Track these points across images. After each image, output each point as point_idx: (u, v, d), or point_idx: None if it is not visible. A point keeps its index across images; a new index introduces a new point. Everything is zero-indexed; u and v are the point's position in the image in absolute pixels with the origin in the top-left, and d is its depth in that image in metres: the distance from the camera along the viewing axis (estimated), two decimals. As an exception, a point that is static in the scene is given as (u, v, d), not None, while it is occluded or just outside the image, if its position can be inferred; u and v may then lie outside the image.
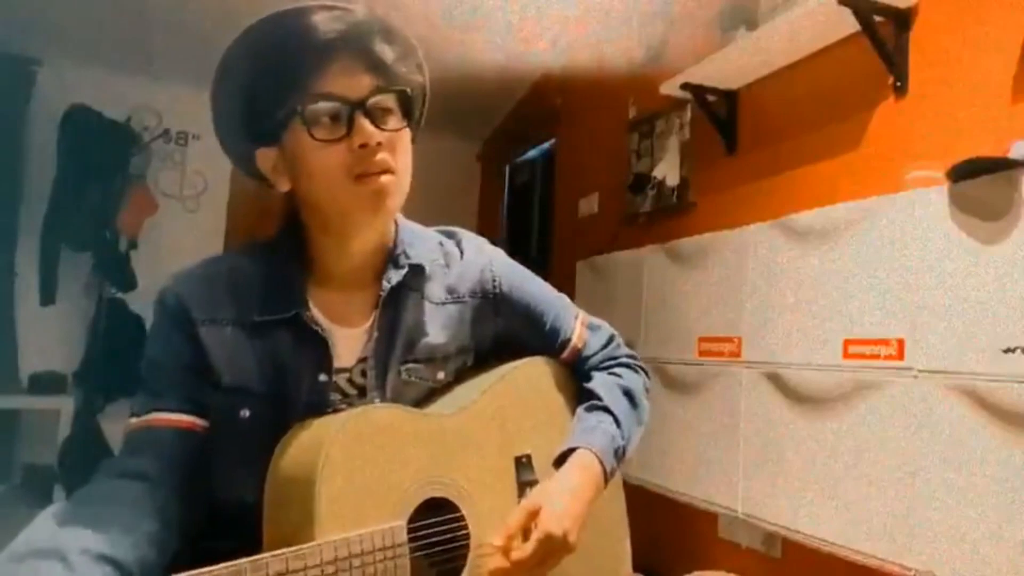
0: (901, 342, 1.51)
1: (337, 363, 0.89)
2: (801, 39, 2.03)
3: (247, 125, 0.88)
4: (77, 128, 3.58)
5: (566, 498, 0.89)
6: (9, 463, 3.53)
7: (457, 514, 0.87)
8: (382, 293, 0.92)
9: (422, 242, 0.98)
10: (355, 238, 0.90)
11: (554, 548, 0.86)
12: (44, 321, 3.54)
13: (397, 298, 0.93)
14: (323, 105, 0.82)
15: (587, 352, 1.09)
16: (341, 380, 0.90)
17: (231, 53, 0.87)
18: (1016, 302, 1.30)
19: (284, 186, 0.88)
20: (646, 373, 1.13)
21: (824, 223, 1.74)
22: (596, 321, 1.13)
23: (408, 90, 0.88)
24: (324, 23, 0.82)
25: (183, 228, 3.87)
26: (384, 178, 0.84)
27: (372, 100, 0.83)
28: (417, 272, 0.95)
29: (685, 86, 2.40)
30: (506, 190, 4.42)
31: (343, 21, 0.83)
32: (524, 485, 0.95)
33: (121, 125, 3.72)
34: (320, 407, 0.87)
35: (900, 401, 1.49)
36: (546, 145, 3.89)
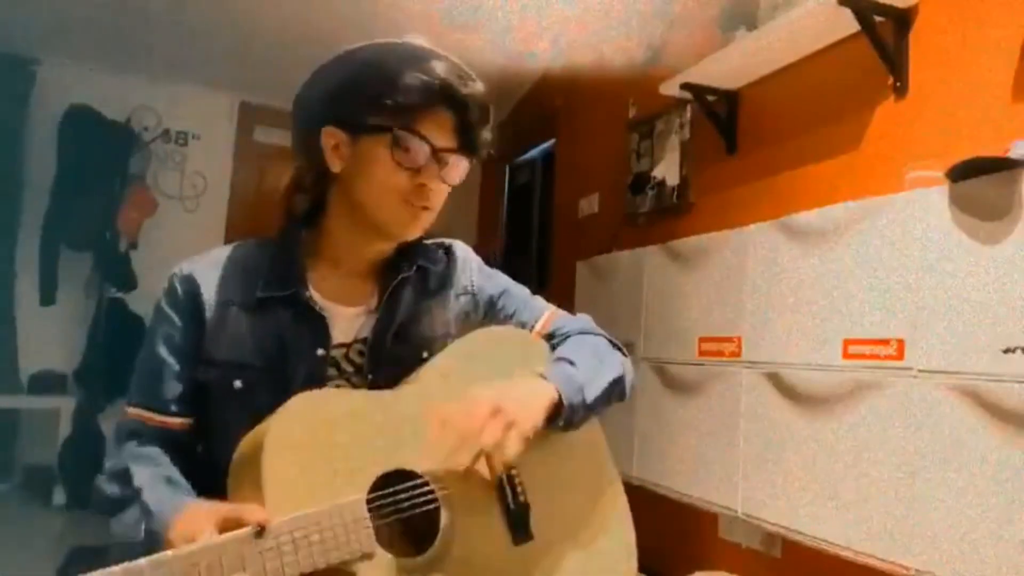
0: (901, 342, 1.51)
1: (335, 339, 0.98)
2: (801, 39, 2.03)
3: (332, 102, 0.97)
4: (77, 128, 3.59)
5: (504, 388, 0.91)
6: (9, 463, 3.53)
7: (420, 479, 0.89)
8: (389, 284, 1.02)
9: (423, 246, 1.10)
10: (378, 239, 1.01)
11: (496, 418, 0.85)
12: (44, 321, 3.54)
13: (399, 290, 1.04)
14: (414, 140, 0.93)
15: (555, 333, 1.12)
16: (338, 355, 0.99)
17: (365, 48, 0.97)
18: (1016, 302, 1.30)
19: (335, 167, 0.97)
20: (621, 350, 1.14)
21: (824, 223, 1.74)
22: (567, 314, 1.18)
23: (474, 159, 1.01)
24: (454, 79, 0.95)
25: (183, 228, 3.87)
26: (424, 212, 0.98)
27: (449, 156, 0.97)
28: (419, 270, 1.07)
29: (685, 86, 2.40)
30: (506, 190, 4.42)
31: (465, 87, 0.96)
32: None
33: (121, 125, 3.72)
34: (317, 381, 0.95)
35: (900, 401, 1.49)
36: (546, 145, 3.89)
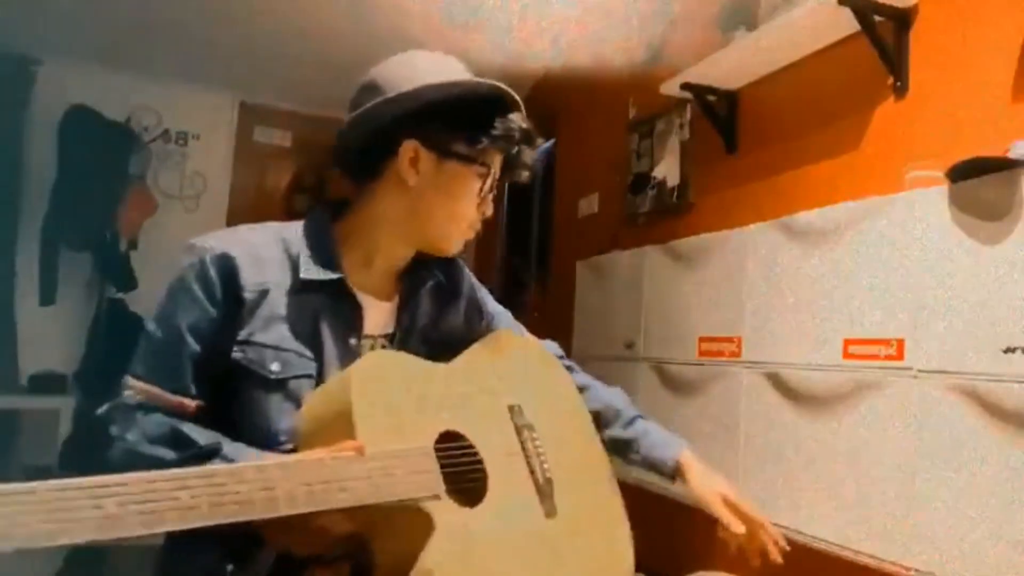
0: (901, 342, 1.51)
1: (366, 330, 1.02)
2: (801, 39, 2.03)
3: (420, 121, 1.00)
4: (77, 128, 3.58)
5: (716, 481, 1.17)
6: (9, 463, 3.53)
7: (468, 444, 0.96)
8: (415, 283, 1.09)
9: (436, 257, 1.15)
10: (419, 248, 1.07)
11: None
12: (44, 321, 3.54)
13: (425, 289, 1.11)
14: (488, 171, 1.04)
15: None
16: (365, 346, 1.02)
17: (459, 83, 1.02)
18: (1016, 302, 1.30)
19: (411, 180, 1.01)
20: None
21: (824, 223, 1.74)
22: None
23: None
24: (527, 129, 1.07)
25: (183, 228, 3.86)
26: (471, 234, 1.08)
27: (496, 188, 1.08)
28: (440, 274, 1.13)
29: (685, 86, 2.40)
30: (506, 190, 4.42)
31: (520, 126, 1.05)
32: (521, 428, 1.05)
33: (121, 125, 3.72)
34: (343, 368, 0.96)
35: (900, 401, 1.49)
36: (546, 145, 3.89)
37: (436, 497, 0.86)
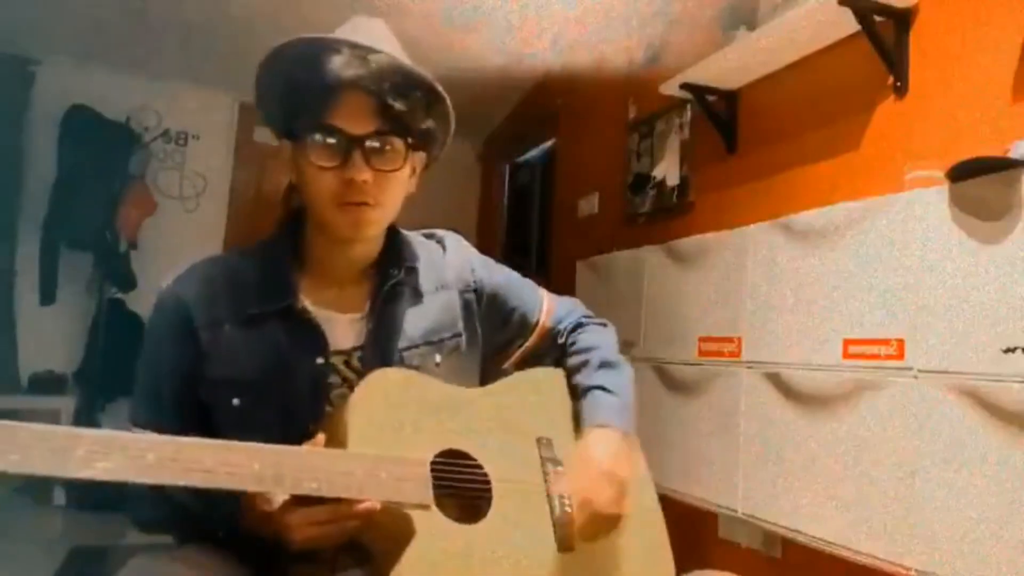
0: (901, 342, 1.51)
1: (333, 346, 0.96)
2: (801, 39, 2.03)
3: (273, 118, 1.00)
4: (77, 128, 3.58)
5: (606, 465, 0.98)
6: (9, 463, 3.52)
7: (475, 464, 0.95)
8: (380, 289, 1.00)
9: (412, 245, 1.08)
10: (340, 245, 0.98)
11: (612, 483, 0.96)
12: (44, 321, 3.54)
13: (392, 293, 1.01)
14: (326, 135, 0.90)
15: (556, 324, 1.17)
16: (338, 362, 0.97)
17: (264, 62, 0.95)
18: (1016, 302, 1.30)
19: (293, 178, 0.98)
20: (605, 326, 1.21)
21: (824, 223, 1.74)
22: (558, 297, 1.22)
23: (408, 139, 0.94)
24: (344, 63, 0.90)
25: (183, 228, 3.87)
26: (365, 210, 0.93)
27: (371, 140, 0.91)
28: (410, 272, 1.04)
29: (685, 86, 2.40)
30: (506, 190, 4.42)
31: (363, 65, 0.90)
32: (545, 460, 1.02)
33: (121, 125, 3.72)
34: (320, 389, 0.95)
35: (900, 401, 1.49)
36: (546, 145, 3.89)
37: (424, 507, 0.85)
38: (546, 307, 1.17)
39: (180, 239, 3.80)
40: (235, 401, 0.92)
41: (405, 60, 0.94)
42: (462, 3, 3.04)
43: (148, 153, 3.82)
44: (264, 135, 4.12)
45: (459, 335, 1.07)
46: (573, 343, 1.16)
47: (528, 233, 4.12)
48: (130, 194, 3.67)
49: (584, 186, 3.38)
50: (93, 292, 3.62)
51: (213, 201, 4.02)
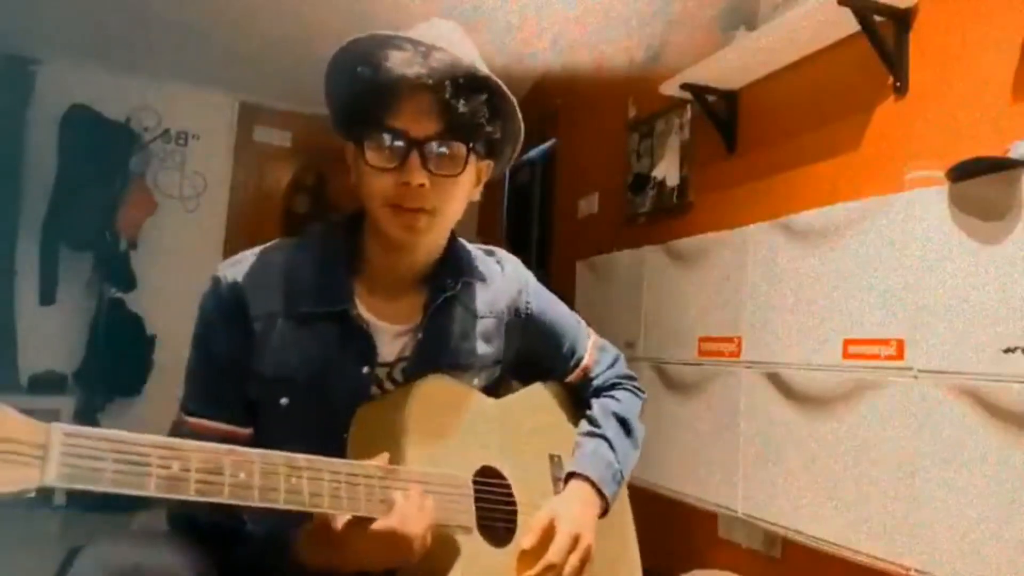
0: (901, 342, 1.51)
1: (379, 358, 0.95)
2: (801, 39, 2.03)
3: (336, 118, 0.97)
4: (77, 128, 3.58)
5: (575, 511, 0.98)
6: (9, 463, 3.52)
7: (505, 483, 0.96)
8: (433, 302, 0.98)
9: (470, 259, 1.05)
10: (395, 252, 0.96)
11: (577, 549, 0.95)
12: (44, 321, 3.54)
13: (444, 307, 0.99)
14: (383, 136, 0.87)
15: (595, 372, 1.17)
16: (382, 374, 0.96)
17: (331, 60, 0.92)
18: (1016, 302, 1.30)
19: (353, 180, 0.95)
20: (642, 393, 1.21)
21: (824, 223, 1.74)
22: (604, 342, 1.22)
23: (470, 144, 0.90)
24: (405, 60, 0.85)
25: (183, 228, 3.87)
26: (420, 215, 0.89)
27: (430, 143, 0.87)
28: (466, 287, 1.02)
29: (685, 86, 2.40)
30: (506, 190, 4.42)
31: (424, 64, 0.85)
32: (557, 480, 1.04)
33: (121, 125, 3.72)
34: (359, 398, 0.93)
35: (900, 401, 1.49)
36: (546, 145, 3.89)
37: (467, 530, 0.86)
38: (591, 346, 1.17)
39: (180, 239, 3.80)
40: (283, 400, 0.91)
41: (479, 64, 0.91)
42: (462, 3, 3.03)
43: (148, 153, 3.82)
44: (264, 135, 4.13)
45: (499, 362, 1.06)
46: (604, 387, 1.17)
47: (528, 233, 4.11)
48: (130, 194, 3.67)
49: (584, 186, 3.38)
50: (93, 292, 3.62)
51: (213, 201, 4.02)
